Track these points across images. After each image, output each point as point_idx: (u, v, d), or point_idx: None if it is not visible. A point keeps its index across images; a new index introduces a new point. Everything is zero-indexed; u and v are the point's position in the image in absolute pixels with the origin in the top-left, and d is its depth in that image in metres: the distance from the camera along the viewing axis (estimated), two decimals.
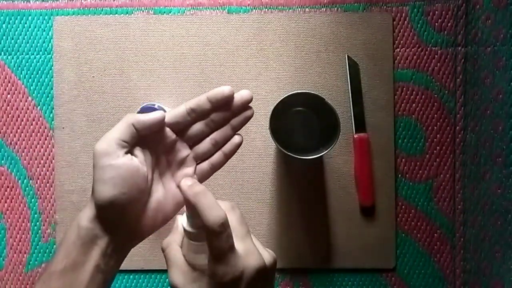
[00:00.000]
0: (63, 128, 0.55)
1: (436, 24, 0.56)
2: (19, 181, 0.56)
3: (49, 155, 0.56)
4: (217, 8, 0.56)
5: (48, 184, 0.56)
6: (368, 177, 0.54)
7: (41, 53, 0.56)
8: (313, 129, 0.54)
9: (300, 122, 0.54)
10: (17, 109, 0.56)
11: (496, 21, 0.55)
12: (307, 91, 0.48)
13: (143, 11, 0.56)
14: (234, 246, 0.32)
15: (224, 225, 0.31)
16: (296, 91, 0.48)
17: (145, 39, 0.56)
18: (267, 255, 0.34)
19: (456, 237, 0.55)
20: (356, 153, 0.55)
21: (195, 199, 0.32)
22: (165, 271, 0.55)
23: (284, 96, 0.48)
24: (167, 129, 0.36)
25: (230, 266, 0.31)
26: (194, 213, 0.32)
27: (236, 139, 0.38)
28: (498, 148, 0.55)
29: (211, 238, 0.31)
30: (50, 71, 0.56)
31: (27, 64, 0.56)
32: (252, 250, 0.33)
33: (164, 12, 0.56)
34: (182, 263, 0.34)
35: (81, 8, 0.56)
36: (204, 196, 0.32)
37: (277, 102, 0.48)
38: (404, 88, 0.56)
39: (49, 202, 0.56)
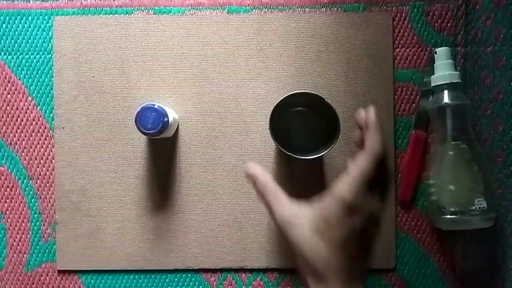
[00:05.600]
0: (63, 128, 0.55)
1: (436, 24, 0.56)
2: (19, 181, 0.56)
3: (49, 155, 0.56)
4: (217, 8, 0.56)
5: (48, 184, 0.56)
6: (413, 173, 0.55)
7: (41, 53, 0.56)
8: (313, 129, 0.54)
9: (300, 122, 0.54)
10: (17, 109, 0.56)
11: (496, 21, 0.55)
12: (307, 91, 0.48)
13: (143, 11, 0.56)
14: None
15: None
16: (296, 91, 0.48)
17: (145, 39, 0.56)
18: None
19: (456, 237, 0.55)
20: (411, 150, 0.55)
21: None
22: (165, 271, 0.55)
23: (284, 96, 0.48)
24: None
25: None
26: None
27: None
28: (498, 148, 0.55)
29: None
30: (50, 71, 0.56)
31: (27, 64, 0.56)
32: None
33: (164, 12, 0.56)
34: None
35: (81, 8, 0.56)
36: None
37: (277, 102, 0.48)
38: (404, 88, 0.56)
39: (49, 202, 0.55)
